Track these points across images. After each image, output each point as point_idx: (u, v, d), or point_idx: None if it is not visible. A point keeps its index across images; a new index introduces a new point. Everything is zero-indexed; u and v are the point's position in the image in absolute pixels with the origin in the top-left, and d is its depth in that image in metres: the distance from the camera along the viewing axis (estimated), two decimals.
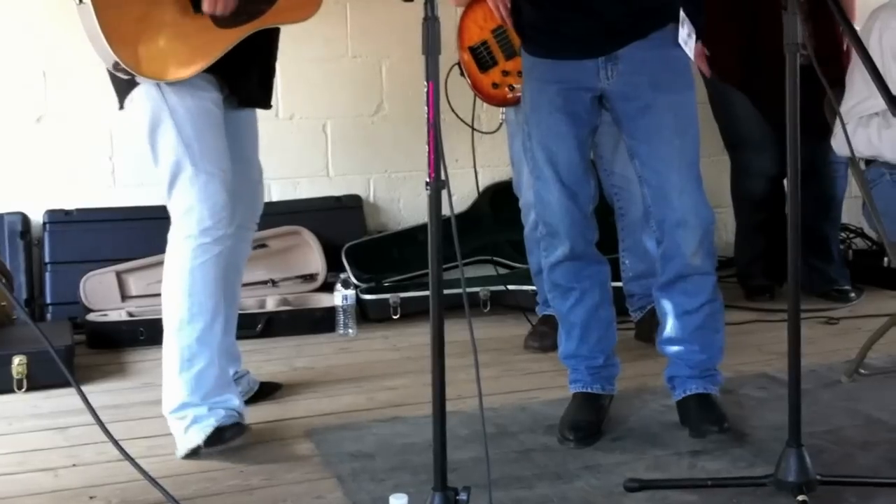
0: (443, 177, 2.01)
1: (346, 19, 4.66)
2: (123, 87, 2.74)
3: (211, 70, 2.72)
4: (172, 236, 2.78)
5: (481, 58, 3.78)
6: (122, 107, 2.79)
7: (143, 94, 2.71)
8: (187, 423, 2.75)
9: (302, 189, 4.71)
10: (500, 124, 4.00)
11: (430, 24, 1.91)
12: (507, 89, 3.73)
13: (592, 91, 2.81)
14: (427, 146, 1.99)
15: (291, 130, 4.65)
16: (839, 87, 3.55)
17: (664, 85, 2.77)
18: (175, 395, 2.76)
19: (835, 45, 4.18)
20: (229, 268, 2.89)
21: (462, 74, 3.85)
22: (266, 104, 3.05)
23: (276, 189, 4.61)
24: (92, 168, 4.40)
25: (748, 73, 4.28)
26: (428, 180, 2.02)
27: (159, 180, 2.78)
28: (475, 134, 4.02)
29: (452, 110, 3.93)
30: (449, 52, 3.85)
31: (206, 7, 2.66)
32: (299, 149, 4.68)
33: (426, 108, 1.93)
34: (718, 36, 3.97)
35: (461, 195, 4.59)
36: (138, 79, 2.66)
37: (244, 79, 2.89)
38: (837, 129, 3.42)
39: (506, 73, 3.74)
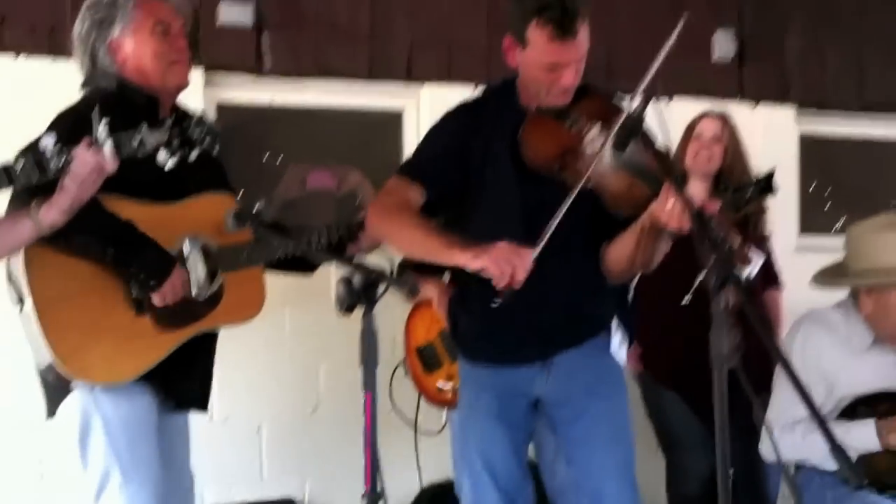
0: (379, 488, 1.98)
1: (285, 320, 4.70)
2: (56, 394, 2.71)
3: (148, 374, 2.71)
4: None
5: (427, 359, 3.79)
6: (51, 414, 2.75)
7: (76, 399, 2.67)
8: None
9: (236, 492, 4.58)
10: (444, 425, 3.96)
11: (368, 337, 1.95)
12: (451, 392, 3.74)
13: (528, 397, 2.86)
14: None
15: (226, 432, 4.57)
16: (769, 391, 3.61)
17: (599, 392, 2.83)
18: None
19: (765, 349, 4.27)
20: None
21: (406, 374, 3.86)
22: (204, 406, 3.02)
23: (210, 493, 4.48)
24: (21, 473, 4.26)
25: (682, 374, 4.34)
26: (364, 491, 1.99)
27: (88, 485, 2.70)
28: (419, 434, 3.98)
29: (395, 410, 3.90)
30: (393, 351, 3.89)
31: (157, 300, 2.68)
32: (234, 451, 4.58)
33: (363, 417, 1.93)
34: (653, 336, 4.07)
35: (402, 495, 4.49)
36: (73, 385, 2.64)
37: (184, 381, 2.86)
38: (765, 435, 3.46)
39: (450, 376, 3.75)
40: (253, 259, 2.92)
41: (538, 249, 2.53)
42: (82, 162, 2.38)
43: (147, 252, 2.68)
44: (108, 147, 2.38)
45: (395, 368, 3.84)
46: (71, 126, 2.57)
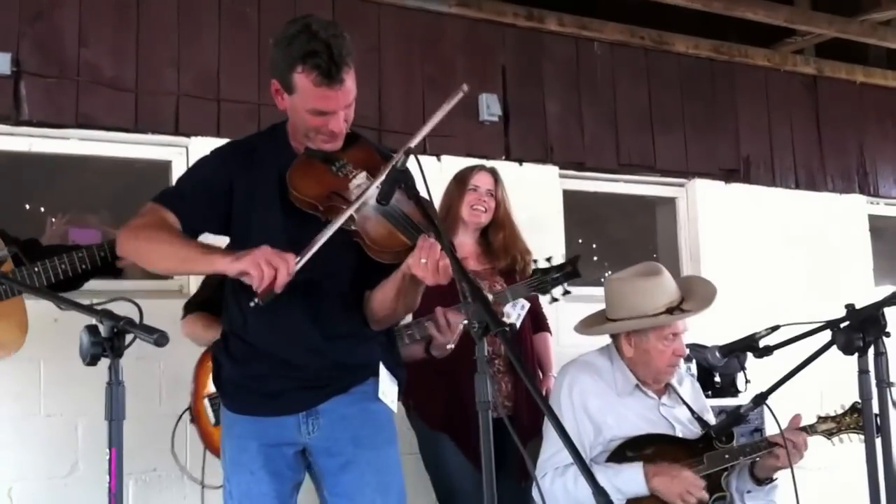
0: None
1: (39, 375, 4.42)
2: None
3: None
4: None
5: (216, 410, 3.63)
6: None
7: None
8: None
9: None
10: None
11: (114, 389, 1.86)
12: None
13: (294, 446, 2.80)
14: None
15: None
16: (540, 436, 3.67)
17: (366, 441, 2.79)
18: None
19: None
20: None
21: (192, 421, 3.70)
22: None
23: None
24: None
25: (456, 422, 4.37)
26: None
27: None
28: (205, 489, 3.81)
29: (178, 462, 3.73)
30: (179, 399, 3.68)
31: None
32: None
33: (108, 476, 1.82)
34: (423, 383, 4.09)
35: None
36: None
37: None
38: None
39: None
40: (12, 290, 2.92)
41: (302, 260, 2.51)
42: None
43: None
44: None
45: (180, 417, 3.72)
46: None
